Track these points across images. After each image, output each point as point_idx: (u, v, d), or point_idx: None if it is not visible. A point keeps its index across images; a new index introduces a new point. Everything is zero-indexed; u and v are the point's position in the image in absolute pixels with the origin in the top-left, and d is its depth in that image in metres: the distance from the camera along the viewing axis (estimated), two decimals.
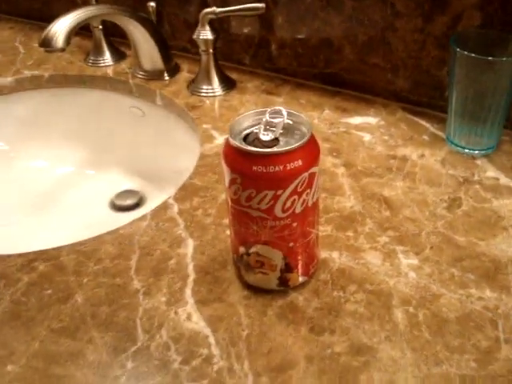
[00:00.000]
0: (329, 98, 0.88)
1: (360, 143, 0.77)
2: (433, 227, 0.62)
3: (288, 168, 0.46)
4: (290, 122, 0.49)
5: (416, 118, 0.83)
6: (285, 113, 0.48)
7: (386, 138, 0.79)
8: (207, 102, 0.89)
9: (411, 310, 0.53)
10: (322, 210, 0.64)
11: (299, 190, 0.48)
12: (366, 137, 0.79)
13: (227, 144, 0.49)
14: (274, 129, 0.48)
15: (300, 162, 0.47)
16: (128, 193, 0.98)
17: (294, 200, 0.48)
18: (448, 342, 0.50)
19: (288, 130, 0.49)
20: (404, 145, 0.77)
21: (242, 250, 0.53)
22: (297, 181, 0.47)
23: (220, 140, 0.79)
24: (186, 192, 0.69)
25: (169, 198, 0.67)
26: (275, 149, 0.47)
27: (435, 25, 0.78)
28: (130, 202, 0.97)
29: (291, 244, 0.51)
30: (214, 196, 0.68)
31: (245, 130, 0.50)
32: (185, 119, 0.88)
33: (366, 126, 0.81)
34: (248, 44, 0.97)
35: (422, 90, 0.84)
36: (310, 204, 0.50)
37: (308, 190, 0.49)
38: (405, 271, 0.57)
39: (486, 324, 0.51)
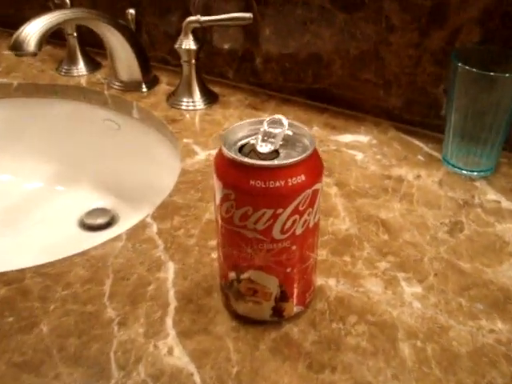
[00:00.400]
0: (317, 114, 0.84)
1: (352, 162, 0.73)
2: (435, 252, 0.58)
3: (290, 184, 0.41)
4: (291, 134, 0.44)
5: (409, 138, 0.79)
6: (285, 122, 0.43)
7: (378, 157, 0.74)
8: (188, 115, 0.84)
9: (419, 343, 0.48)
10: None
11: (301, 208, 0.42)
12: (358, 155, 0.74)
13: (220, 155, 0.43)
14: (273, 140, 0.43)
15: (303, 177, 0.41)
16: (99, 211, 0.92)
17: (295, 220, 0.43)
18: (461, 380, 0.45)
19: (288, 141, 0.44)
20: (398, 165, 0.72)
21: (232, 275, 0.47)
22: (299, 198, 0.42)
23: (202, 155, 0.74)
24: (165, 210, 0.63)
25: (147, 216, 0.61)
26: (276, 161, 0.41)
27: (432, 40, 0.75)
28: (100, 220, 0.90)
29: (289, 269, 0.45)
30: (197, 215, 0.62)
31: (240, 140, 0.44)
32: (163, 133, 0.82)
33: (358, 145, 0.76)
34: (231, 57, 0.92)
35: (416, 108, 0.80)
36: (311, 225, 0.44)
37: (310, 209, 0.43)
38: (408, 300, 0.52)
39: (500, 359, 0.46)
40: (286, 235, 0.43)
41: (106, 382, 0.44)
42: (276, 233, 0.43)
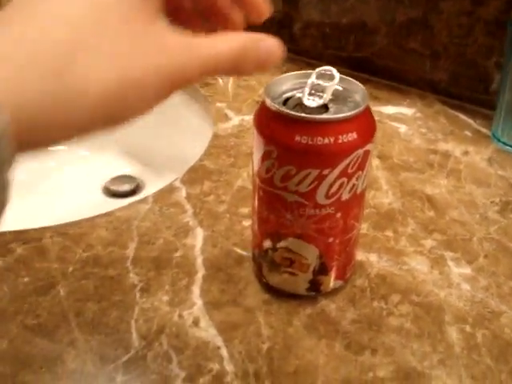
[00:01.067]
0: None
1: (395, 134, 0.68)
2: (485, 232, 0.53)
3: (340, 141, 0.36)
4: (341, 88, 0.40)
5: (456, 112, 0.73)
6: (336, 75, 0.39)
7: (423, 130, 0.69)
8: (221, 79, 0.80)
9: (468, 328, 0.43)
10: None
11: (350, 170, 0.38)
12: (402, 128, 0.69)
13: (262, 108, 0.39)
14: (321, 93, 0.38)
15: (355, 135, 0.37)
16: (124, 178, 0.88)
17: (343, 183, 0.38)
18: None
19: (338, 97, 0.39)
20: (444, 140, 0.67)
21: (267, 243, 0.43)
22: (349, 158, 0.37)
23: (235, 120, 0.69)
24: (195, 175, 0.59)
25: (175, 179, 0.58)
26: (325, 116, 0.37)
27: (486, 8, 0.69)
28: (125, 188, 0.86)
29: (331, 239, 0.41)
30: (229, 181, 0.58)
31: (284, 93, 0.40)
32: (195, 97, 0.78)
33: (401, 117, 0.72)
34: (269, 22, 0.87)
35: (464, 81, 0.74)
36: (358, 191, 0.40)
37: (360, 173, 0.39)
38: (456, 282, 0.47)
39: None
40: (330, 200, 0.39)
41: (125, 352, 0.40)
42: (320, 197, 0.38)
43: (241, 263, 0.48)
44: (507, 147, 0.66)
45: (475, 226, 0.54)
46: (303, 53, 0.86)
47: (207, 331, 0.42)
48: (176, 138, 0.83)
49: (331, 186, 0.38)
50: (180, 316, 0.43)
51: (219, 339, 0.41)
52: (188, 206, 0.54)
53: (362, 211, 0.43)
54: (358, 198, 0.41)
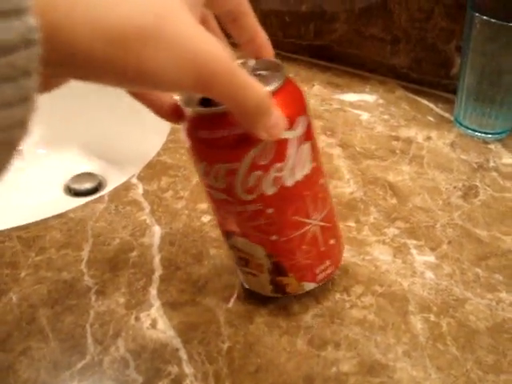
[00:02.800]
0: (319, 72, 0.78)
1: (357, 122, 0.67)
2: (448, 218, 0.52)
3: (236, 132, 0.34)
4: (264, 74, 0.37)
5: (418, 98, 0.73)
6: (251, 61, 0.37)
7: (385, 117, 0.68)
8: None
9: (432, 318, 0.43)
10: None
11: (262, 163, 0.35)
12: (364, 115, 0.68)
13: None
14: None
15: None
16: (85, 176, 0.86)
17: (259, 177, 0.35)
18: (480, 358, 0.40)
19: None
20: (407, 125, 0.67)
21: (227, 242, 0.41)
22: (254, 150, 0.34)
23: None
24: (152, 170, 0.57)
25: (132, 176, 0.56)
26: (216, 107, 0.34)
27: None
28: (87, 186, 0.84)
29: (274, 237, 0.38)
30: (187, 176, 0.56)
31: None
32: None
33: (363, 104, 0.71)
34: None
35: (426, 66, 0.74)
36: (288, 184, 0.36)
37: (278, 164, 0.35)
38: (420, 270, 0.47)
39: None
40: (252, 195, 0.36)
41: (81, 358, 0.39)
42: (240, 192, 0.36)
43: (200, 261, 0.47)
44: (469, 131, 0.66)
45: (438, 212, 0.53)
46: None
47: (165, 333, 0.41)
48: (136, 134, 0.81)
49: (245, 180, 0.36)
50: (137, 318, 0.42)
51: (178, 341, 0.40)
52: (145, 204, 0.52)
53: (313, 206, 0.39)
54: (292, 192, 0.37)
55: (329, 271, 0.42)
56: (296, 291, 0.42)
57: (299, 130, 0.35)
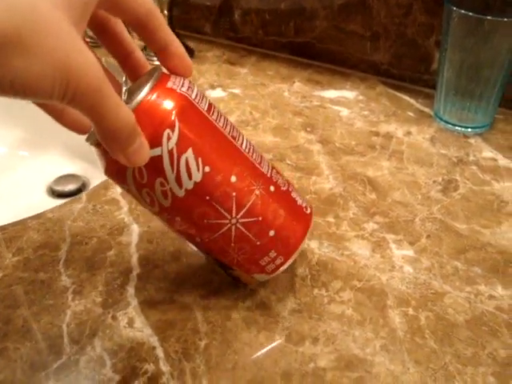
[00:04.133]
0: (299, 69, 0.78)
1: (337, 118, 0.67)
2: (428, 213, 0.52)
3: (109, 160, 0.35)
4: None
5: (398, 93, 0.73)
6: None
7: (365, 113, 0.68)
8: None
9: (411, 311, 0.43)
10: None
11: (143, 181, 0.35)
12: (344, 111, 0.68)
13: None
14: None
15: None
16: (69, 177, 0.85)
17: (149, 193, 0.36)
18: (459, 351, 0.40)
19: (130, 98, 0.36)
20: (387, 121, 0.67)
21: None
22: (128, 171, 0.35)
23: None
24: None
25: None
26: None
27: None
28: (70, 187, 0.84)
29: (198, 239, 0.39)
30: None
31: None
32: None
33: (343, 101, 0.71)
34: (208, 10, 0.85)
35: (406, 62, 0.74)
36: (180, 194, 0.36)
37: (159, 180, 0.35)
38: (399, 264, 0.47)
39: (501, 328, 0.42)
40: (155, 208, 0.37)
41: (57, 358, 0.39)
42: (146, 206, 0.37)
43: (178, 259, 0.46)
44: (449, 125, 0.66)
45: (418, 206, 0.53)
46: (244, 40, 0.84)
47: (142, 331, 0.40)
48: None
49: (141, 197, 0.36)
50: (114, 317, 0.41)
51: (155, 339, 0.40)
52: (123, 203, 0.52)
53: (225, 206, 0.37)
54: (187, 201, 0.36)
55: (278, 262, 0.40)
56: (250, 282, 0.42)
57: (169, 144, 0.34)
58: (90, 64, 0.27)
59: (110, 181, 0.50)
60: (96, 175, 0.85)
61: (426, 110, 0.69)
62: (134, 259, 0.46)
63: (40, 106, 0.37)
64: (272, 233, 0.39)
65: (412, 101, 0.71)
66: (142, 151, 0.32)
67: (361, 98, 0.71)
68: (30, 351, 0.39)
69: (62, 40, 0.26)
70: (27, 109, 0.88)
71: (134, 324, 0.41)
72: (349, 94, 0.72)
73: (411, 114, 0.68)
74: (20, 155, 0.88)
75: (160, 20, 0.35)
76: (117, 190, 0.54)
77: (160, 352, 0.39)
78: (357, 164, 0.58)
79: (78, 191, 0.84)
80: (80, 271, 0.45)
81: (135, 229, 0.49)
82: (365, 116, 0.67)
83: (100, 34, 0.37)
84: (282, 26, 0.80)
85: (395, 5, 0.71)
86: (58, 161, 0.87)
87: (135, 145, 0.31)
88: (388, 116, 0.67)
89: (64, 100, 0.28)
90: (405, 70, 0.74)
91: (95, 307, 0.42)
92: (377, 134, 0.64)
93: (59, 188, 0.84)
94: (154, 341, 0.40)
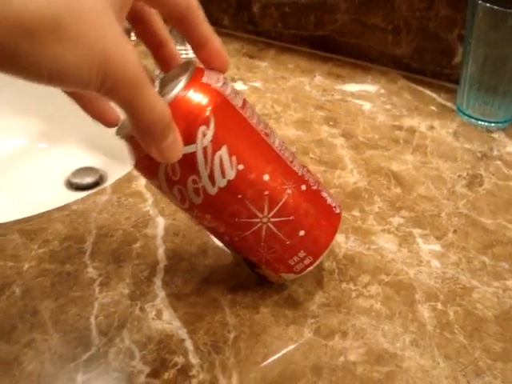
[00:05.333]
0: (320, 63, 0.77)
1: (359, 112, 0.66)
2: (453, 207, 0.52)
3: (139, 156, 0.35)
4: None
5: (420, 87, 0.72)
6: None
7: (388, 107, 0.68)
8: None
9: (439, 306, 0.42)
10: None
11: (175, 178, 0.35)
12: (366, 105, 0.68)
13: None
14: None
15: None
16: (86, 170, 0.85)
17: (180, 190, 0.36)
18: (488, 346, 0.40)
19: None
20: (410, 115, 0.66)
21: None
22: (161, 168, 0.35)
23: None
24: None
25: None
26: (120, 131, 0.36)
27: None
28: (88, 180, 0.84)
29: (226, 238, 0.39)
30: None
31: None
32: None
33: (365, 94, 0.70)
34: (227, 3, 0.85)
35: (428, 56, 0.73)
36: (212, 192, 0.35)
37: (192, 177, 0.35)
38: (426, 259, 0.46)
39: None
40: (185, 205, 0.37)
41: (85, 350, 0.38)
42: (176, 203, 0.37)
43: (204, 251, 0.46)
44: (472, 120, 0.65)
45: (443, 201, 0.53)
46: (263, 33, 0.84)
47: (171, 324, 0.40)
48: None
49: (171, 194, 0.36)
50: (142, 309, 0.41)
51: (183, 331, 0.40)
52: (148, 195, 0.52)
53: (257, 205, 0.37)
54: (219, 199, 0.36)
55: (307, 261, 0.39)
56: (277, 281, 0.42)
57: (204, 141, 0.34)
58: (129, 55, 0.27)
59: (134, 173, 0.50)
60: (113, 168, 0.85)
61: (449, 104, 0.69)
62: (161, 252, 0.46)
63: (68, 92, 0.37)
64: (302, 233, 0.38)
65: (434, 95, 0.71)
66: (176, 147, 0.32)
67: (382, 91, 0.71)
68: (58, 343, 0.39)
69: (102, 30, 0.26)
70: (47, 101, 0.88)
71: (162, 316, 0.41)
72: (370, 87, 0.72)
73: (433, 108, 0.68)
74: (39, 147, 0.88)
75: (199, 14, 0.35)
76: (141, 183, 0.53)
77: (189, 344, 0.39)
78: (380, 158, 0.58)
79: (96, 184, 0.84)
80: (106, 263, 0.45)
81: (161, 221, 0.49)
82: (387, 110, 0.67)
83: (136, 25, 0.37)
84: (301, 19, 0.80)
85: None
86: (76, 153, 0.87)
87: (169, 140, 0.31)
88: (410, 110, 0.67)
89: (101, 90, 0.27)
90: (426, 64, 0.74)
91: (123, 299, 0.42)
92: (400, 128, 0.63)
93: (77, 180, 0.84)
94: (183, 333, 0.39)
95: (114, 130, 0.75)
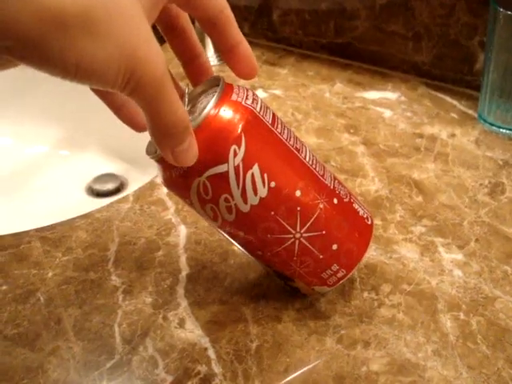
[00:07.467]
0: (340, 70, 0.77)
1: (380, 119, 0.66)
2: (475, 216, 0.52)
3: (173, 175, 0.35)
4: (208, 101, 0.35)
5: (441, 94, 0.72)
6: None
7: (408, 114, 0.68)
8: None
9: (462, 316, 0.42)
10: None
11: (207, 197, 0.35)
12: (386, 113, 0.68)
13: None
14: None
15: (184, 168, 0.34)
16: (107, 176, 0.86)
17: (213, 208, 0.36)
18: (511, 357, 0.39)
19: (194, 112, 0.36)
20: (430, 123, 0.66)
21: None
22: (193, 187, 0.35)
23: None
24: None
25: (156, 176, 0.56)
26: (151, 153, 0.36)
27: None
28: (109, 186, 0.85)
29: (259, 252, 0.39)
30: None
31: None
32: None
33: (385, 102, 0.70)
34: (247, 10, 0.85)
35: (448, 62, 0.73)
36: (245, 210, 0.36)
37: (225, 195, 0.35)
38: (448, 268, 0.46)
39: None
40: (217, 222, 0.37)
41: (109, 358, 0.39)
42: (208, 220, 0.38)
43: (226, 260, 0.46)
44: (494, 127, 0.65)
45: (465, 209, 0.52)
46: (283, 40, 0.84)
47: (193, 332, 0.40)
48: None
49: (204, 211, 0.36)
50: (165, 318, 0.42)
51: (206, 340, 0.40)
52: (170, 203, 0.52)
53: (290, 221, 0.37)
54: (252, 216, 0.36)
55: (340, 274, 0.40)
56: (310, 294, 0.42)
57: (236, 160, 0.34)
58: (156, 56, 0.27)
59: (156, 181, 0.51)
60: (134, 175, 0.85)
61: (470, 111, 0.68)
62: (183, 260, 0.46)
63: (101, 96, 0.37)
64: (335, 246, 0.39)
65: (455, 102, 0.70)
66: (191, 152, 0.32)
67: (403, 99, 0.71)
68: (82, 350, 0.40)
69: (132, 27, 0.26)
70: (68, 109, 0.89)
71: (184, 325, 0.41)
72: (391, 95, 0.72)
73: (454, 115, 0.68)
74: (61, 154, 0.89)
75: (231, 19, 0.35)
76: (162, 191, 0.54)
77: (212, 353, 0.39)
78: (402, 166, 0.58)
79: (117, 190, 0.85)
80: (129, 271, 0.45)
81: (183, 230, 0.49)
82: (408, 117, 0.67)
83: (168, 32, 0.37)
84: (321, 26, 0.80)
85: (438, 5, 0.70)
86: (97, 160, 0.88)
87: (185, 144, 0.31)
88: (431, 118, 0.67)
89: (125, 89, 0.27)
90: (447, 71, 0.74)
91: (146, 307, 0.42)
92: (421, 135, 0.63)
93: (98, 187, 0.85)
94: (206, 342, 0.40)
95: (132, 137, 0.76)
